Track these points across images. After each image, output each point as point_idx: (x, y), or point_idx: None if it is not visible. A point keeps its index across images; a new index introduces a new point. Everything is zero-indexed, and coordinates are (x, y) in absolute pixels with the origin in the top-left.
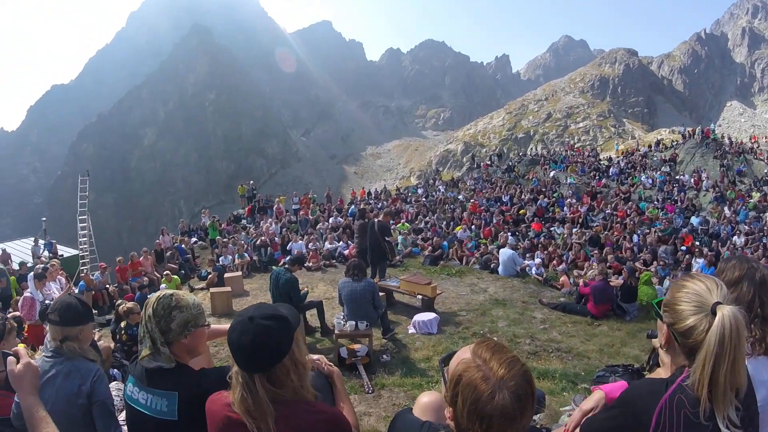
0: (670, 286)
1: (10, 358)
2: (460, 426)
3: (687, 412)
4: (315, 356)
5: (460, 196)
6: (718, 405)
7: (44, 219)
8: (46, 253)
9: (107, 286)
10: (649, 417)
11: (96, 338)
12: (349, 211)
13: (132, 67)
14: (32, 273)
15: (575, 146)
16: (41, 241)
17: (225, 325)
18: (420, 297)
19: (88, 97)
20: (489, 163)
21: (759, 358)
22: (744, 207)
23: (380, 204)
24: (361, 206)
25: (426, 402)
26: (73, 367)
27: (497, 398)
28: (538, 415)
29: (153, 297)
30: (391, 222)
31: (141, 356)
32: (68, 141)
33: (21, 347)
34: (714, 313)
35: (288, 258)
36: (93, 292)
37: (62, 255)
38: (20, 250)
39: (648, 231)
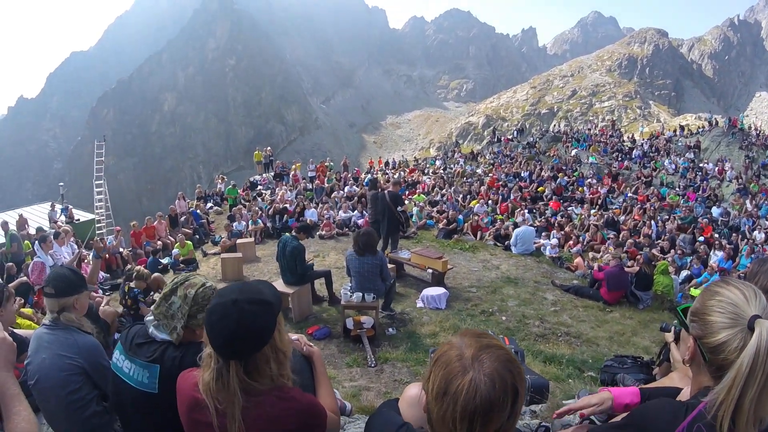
0: (700, 291)
1: None
2: (430, 414)
3: None
4: (294, 336)
5: (479, 170)
6: None
7: (61, 184)
8: (62, 218)
9: (121, 250)
10: None
11: (105, 303)
12: (365, 181)
13: (152, 33)
14: (38, 240)
15: (599, 126)
16: (58, 206)
17: None
18: (430, 271)
19: (108, 63)
20: (510, 137)
21: None
22: (766, 202)
23: (397, 174)
24: (375, 176)
25: (413, 395)
26: (70, 337)
27: (467, 377)
28: (540, 407)
29: (198, 280)
30: (402, 191)
31: (153, 312)
32: (88, 107)
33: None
34: (751, 329)
35: (297, 225)
36: (107, 255)
37: (78, 220)
38: (38, 215)
39: (668, 218)
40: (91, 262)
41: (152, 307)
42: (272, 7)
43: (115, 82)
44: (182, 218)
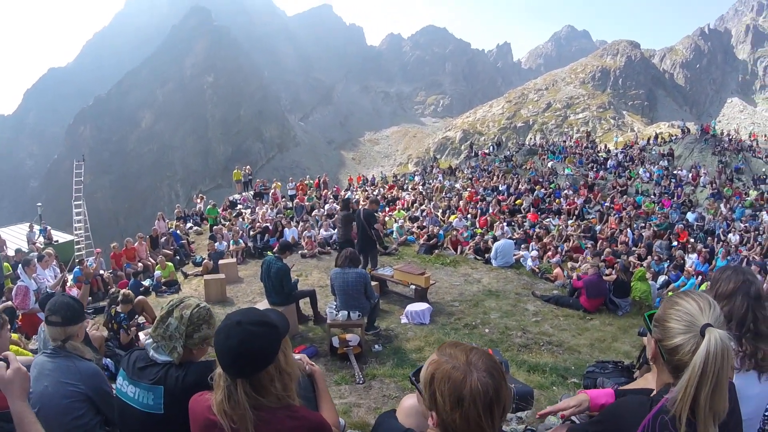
0: (662, 301)
1: (0, 363)
2: (449, 425)
3: None
4: (296, 356)
5: (457, 185)
6: (700, 425)
7: (39, 204)
8: (41, 239)
9: (101, 272)
10: None
11: (90, 326)
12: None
13: (130, 49)
14: (20, 263)
15: (574, 137)
16: (36, 227)
17: None
18: (413, 287)
19: (86, 80)
20: (487, 152)
21: (748, 372)
22: (740, 204)
23: (376, 191)
24: (348, 196)
25: (410, 405)
26: (71, 364)
27: (472, 379)
28: (525, 413)
29: (193, 302)
30: (381, 208)
31: (151, 335)
32: (65, 124)
33: (11, 352)
34: (703, 335)
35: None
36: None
37: (57, 241)
38: (16, 236)
39: (644, 225)
40: (73, 284)
41: (150, 330)
42: (251, 23)
43: (92, 99)
44: (162, 239)
